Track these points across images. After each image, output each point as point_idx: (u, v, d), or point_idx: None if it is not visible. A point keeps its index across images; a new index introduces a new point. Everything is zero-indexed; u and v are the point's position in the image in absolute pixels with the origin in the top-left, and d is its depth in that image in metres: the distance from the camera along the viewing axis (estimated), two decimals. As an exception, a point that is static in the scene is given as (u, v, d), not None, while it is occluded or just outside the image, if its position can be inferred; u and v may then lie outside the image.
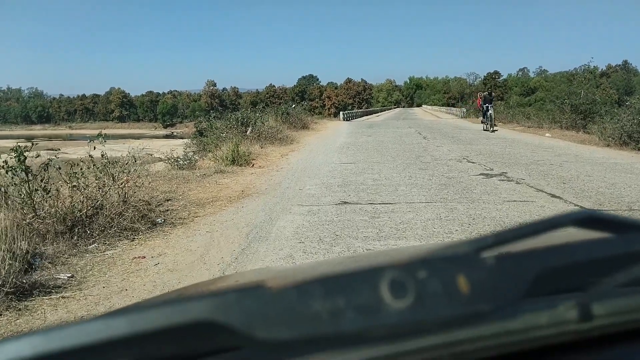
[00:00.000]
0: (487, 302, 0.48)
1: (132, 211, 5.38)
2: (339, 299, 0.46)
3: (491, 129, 18.82)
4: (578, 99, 21.42)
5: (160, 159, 11.86)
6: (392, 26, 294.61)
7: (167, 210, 6.14)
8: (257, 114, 16.58)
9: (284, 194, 7.01)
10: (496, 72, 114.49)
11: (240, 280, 0.83)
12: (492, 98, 19.83)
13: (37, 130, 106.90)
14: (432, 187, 7.11)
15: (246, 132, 14.72)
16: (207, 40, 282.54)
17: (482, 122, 19.89)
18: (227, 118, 15.55)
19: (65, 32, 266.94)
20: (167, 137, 67.37)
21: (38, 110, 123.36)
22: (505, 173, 8.32)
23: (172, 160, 10.26)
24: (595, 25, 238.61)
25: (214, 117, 18.46)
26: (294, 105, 24.95)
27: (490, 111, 19.19)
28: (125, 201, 5.50)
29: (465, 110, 42.53)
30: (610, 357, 0.53)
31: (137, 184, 5.86)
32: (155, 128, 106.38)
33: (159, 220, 5.62)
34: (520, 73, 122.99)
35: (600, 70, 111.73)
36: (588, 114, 20.42)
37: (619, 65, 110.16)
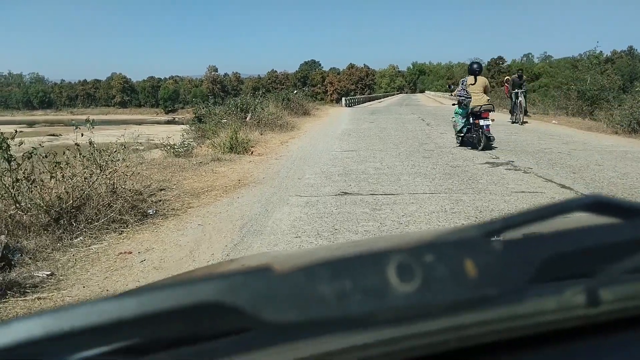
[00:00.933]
0: (494, 287, 0.47)
1: (121, 202, 5.11)
2: (346, 282, 0.45)
3: (521, 120, 15.25)
4: (585, 84, 20.94)
5: (156, 146, 11.57)
6: (395, 11, 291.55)
7: (160, 200, 5.87)
8: (257, 100, 16.22)
9: (282, 184, 6.73)
10: (500, 58, 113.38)
11: (247, 263, 0.82)
12: (522, 82, 16.01)
13: (39, 115, 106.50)
14: (436, 177, 6.83)
15: (246, 118, 14.41)
16: (208, 26, 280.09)
17: (511, 113, 16.02)
18: (226, 104, 15.21)
19: (67, 17, 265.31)
20: (168, 122, 66.88)
21: (39, 96, 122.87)
22: (512, 162, 8.02)
23: (169, 147, 9.96)
24: (600, 11, 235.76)
25: (213, 102, 18.08)
26: (295, 91, 24.54)
27: (520, 98, 15.44)
28: (114, 191, 5.22)
29: (469, 96, 41.97)
30: (617, 343, 0.52)
31: (126, 173, 5.58)
32: (157, 114, 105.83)
33: (150, 211, 5.35)
34: (525, 59, 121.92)
35: (605, 56, 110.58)
36: (595, 100, 19.98)
37: (624, 51, 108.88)
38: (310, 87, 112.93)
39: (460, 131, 10.22)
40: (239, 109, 14.57)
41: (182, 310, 0.45)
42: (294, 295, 0.45)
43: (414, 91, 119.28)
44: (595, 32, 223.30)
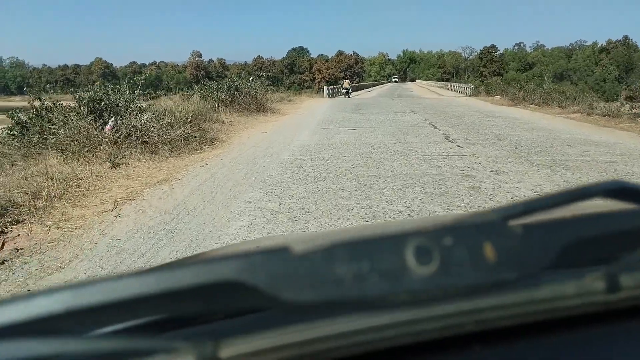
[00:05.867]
0: (513, 271, 0.45)
1: None
2: (364, 264, 0.44)
3: None
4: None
5: None
6: None
7: None
8: (134, 92, 8.51)
9: None
10: (493, 47, 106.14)
11: (265, 244, 0.73)
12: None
13: (17, 101, 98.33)
14: None
15: (104, 128, 7.14)
16: (194, 10, 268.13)
17: None
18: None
19: (49, 1, 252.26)
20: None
21: (17, 81, 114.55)
22: None
23: None
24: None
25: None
26: (252, 78, 17.13)
27: None
28: None
29: (472, 86, 34.47)
30: (635, 329, 0.51)
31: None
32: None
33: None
34: (517, 48, 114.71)
35: (600, 45, 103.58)
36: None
37: (619, 40, 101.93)
38: (298, 74, 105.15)
39: None
40: (91, 112, 7.25)
41: (201, 288, 0.43)
42: (311, 276, 0.43)
43: (404, 80, 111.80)
44: (589, 21, 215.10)
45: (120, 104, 7.64)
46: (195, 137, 8.28)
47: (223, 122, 11.77)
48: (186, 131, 8.13)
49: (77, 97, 7.59)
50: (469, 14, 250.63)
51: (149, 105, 8.86)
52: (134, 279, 0.43)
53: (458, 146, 7.70)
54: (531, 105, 18.07)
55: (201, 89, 15.30)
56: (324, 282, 0.43)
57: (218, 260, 0.47)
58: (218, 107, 14.04)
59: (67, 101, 8.08)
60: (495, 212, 0.48)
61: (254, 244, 0.83)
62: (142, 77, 8.87)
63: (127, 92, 8.09)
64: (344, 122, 11.97)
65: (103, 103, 7.46)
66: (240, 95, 14.84)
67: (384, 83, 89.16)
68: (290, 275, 0.44)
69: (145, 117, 7.50)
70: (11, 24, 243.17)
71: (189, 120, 8.79)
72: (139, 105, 8.08)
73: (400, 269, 0.44)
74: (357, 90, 47.74)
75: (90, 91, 7.80)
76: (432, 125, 10.93)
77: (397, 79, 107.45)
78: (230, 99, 14.64)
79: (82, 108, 7.33)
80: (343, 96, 29.79)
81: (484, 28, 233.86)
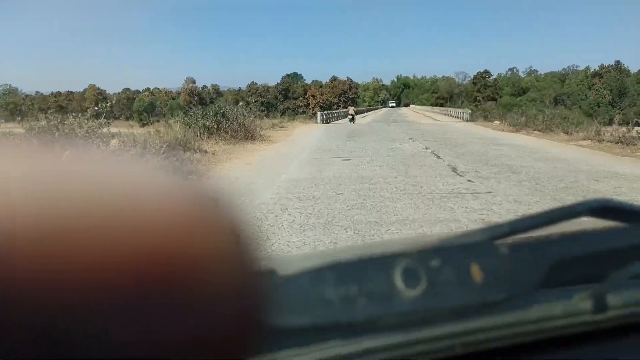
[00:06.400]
0: (501, 292, 0.46)
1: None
2: (351, 286, 0.44)
3: None
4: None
5: None
6: (379, 24, 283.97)
7: None
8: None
9: None
10: (486, 72, 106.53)
11: None
12: None
13: (10, 128, 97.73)
14: None
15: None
16: (188, 37, 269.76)
17: None
18: None
19: (43, 29, 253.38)
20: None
21: (10, 108, 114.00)
22: None
23: None
24: (586, 25, 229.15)
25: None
26: (240, 104, 16.12)
27: None
28: None
29: (470, 112, 33.61)
30: (624, 348, 0.51)
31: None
32: (132, 126, 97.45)
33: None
34: (510, 73, 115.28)
35: (592, 70, 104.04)
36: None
37: (612, 65, 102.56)
38: (292, 99, 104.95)
39: None
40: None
41: None
42: (298, 299, 0.43)
43: (398, 105, 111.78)
44: (582, 46, 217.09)
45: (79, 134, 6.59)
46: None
47: (206, 151, 10.73)
48: (158, 164, 7.06)
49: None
50: (462, 40, 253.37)
51: (114, 135, 7.83)
52: None
53: (469, 181, 6.66)
54: (534, 132, 17.17)
55: (186, 115, 14.31)
56: (311, 306, 0.43)
57: None
58: (202, 135, 13.05)
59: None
60: (481, 232, 0.48)
61: None
62: (108, 104, 7.87)
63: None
64: (338, 151, 10.94)
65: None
66: (227, 122, 13.85)
67: (377, 108, 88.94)
68: (277, 299, 0.41)
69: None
70: (5, 51, 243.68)
71: (162, 151, 7.73)
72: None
73: (388, 292, 0.43)
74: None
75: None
76: (435, 154, 9.91)
77: (393, 104, 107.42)
78: (216, 127, 13.64)
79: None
80: (348, 121, 30.43)
81: (477, 53, 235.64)
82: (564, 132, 15.97)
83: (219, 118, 13.91)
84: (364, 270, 0.45)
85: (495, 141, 13.33)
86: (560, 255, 0.50)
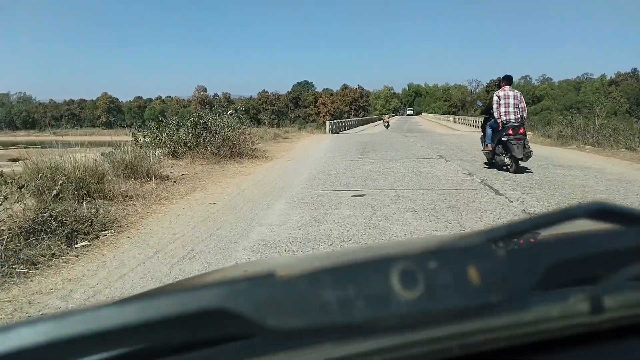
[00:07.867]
0: (498, 294, 0.45)
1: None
2: (349, 289, 0.43)
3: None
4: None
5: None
6: (391, 31, 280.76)
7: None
8: None
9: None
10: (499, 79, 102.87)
11: (250, 270, 0.72)
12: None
13: (21, 136, 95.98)
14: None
15: None
16: (200, 45, 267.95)
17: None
18: None
19: (57, 36, 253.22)
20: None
21: (23, 116, 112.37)
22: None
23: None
24: (601, 32, 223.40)
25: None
26: (229, 112, 13.09)
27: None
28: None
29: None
30: (620, 350, 0.51)
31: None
32: (144, 136, 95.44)
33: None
34: (523, 81, 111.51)
35: (609, 78, 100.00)
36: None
37: (628, 73, 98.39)
38: (303, 108, 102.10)
39: None
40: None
41: (185, 317, 0.42)
42: (297, 302, 0.43)
43: (410, 113, 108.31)
44: (597, 54, 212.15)
45: None
46: (61, 226, 4.17)
47: (167, 177, 7.74)
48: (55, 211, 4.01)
49: None
50: (475, 48, 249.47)
51: None
52: (115, 308, 0.42)
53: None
54: (586, 146, 13.91)
55: (158, 127, 11.33)
56: (310, 308, 0.42)
57: (202, 288, 0.47)
58: (177, 152, 10.05)
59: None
60: (478, 235, 0.48)
61: (239, 270, 0.75)
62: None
63: None
64: (347, 178, 7.93)
65: None
66: (209, 136, 10.81)
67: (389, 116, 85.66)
68: (276, 302, 0.43)
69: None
70: (20, 60, 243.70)
71: (74, 186, 4.71)
72: None
73: (386, 294, 0.43)
74: (362, 125, 44.01)
75: None
76: (489, 187, 6.80)
77: (411, 111, 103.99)
78: (195, 141, 10.61)
79: None
80: (384, 128, 34.03)
81: (490, 61, 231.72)
82: (626, 148, 12.73)
83: (198, 130, 10.90)
84: (362, 273, 0.44)
85: (552, 161, 10.22)
86: (557, 258, 0.49)
